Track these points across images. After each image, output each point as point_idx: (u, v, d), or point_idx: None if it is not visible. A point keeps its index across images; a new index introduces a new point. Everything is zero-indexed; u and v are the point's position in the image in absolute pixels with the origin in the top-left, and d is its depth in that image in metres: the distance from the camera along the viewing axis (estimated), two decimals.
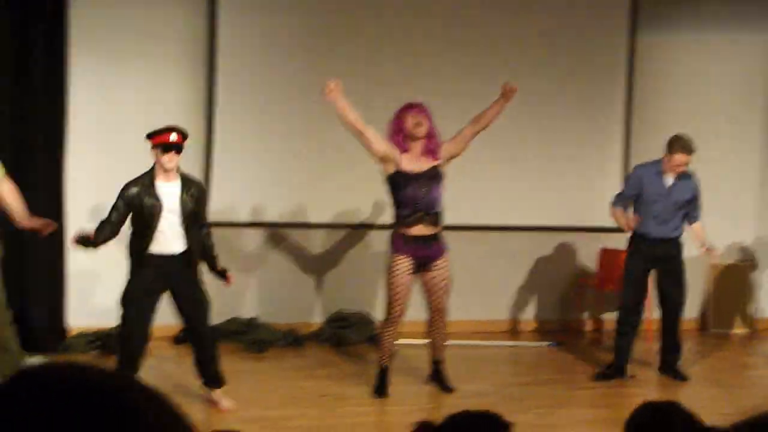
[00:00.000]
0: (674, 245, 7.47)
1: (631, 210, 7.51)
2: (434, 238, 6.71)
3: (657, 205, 7.36)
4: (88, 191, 7.76)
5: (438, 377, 7.05)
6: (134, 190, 6.17)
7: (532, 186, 8.82)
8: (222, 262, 8.33)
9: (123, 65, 8.05)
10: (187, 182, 6.28)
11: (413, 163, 6.63)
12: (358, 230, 8.64)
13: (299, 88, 8.20)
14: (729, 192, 9.34)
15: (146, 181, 6.19)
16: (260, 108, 8.23)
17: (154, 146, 6.16)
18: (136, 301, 6.18)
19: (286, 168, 8.34)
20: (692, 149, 7.25)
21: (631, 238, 7.52)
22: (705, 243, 7.55)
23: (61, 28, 7.74)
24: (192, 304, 6.30)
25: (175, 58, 8.16)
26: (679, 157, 7.26)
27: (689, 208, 7.50)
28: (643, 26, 8.99)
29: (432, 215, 6.65)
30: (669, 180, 7.40)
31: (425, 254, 6.68)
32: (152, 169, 6.22)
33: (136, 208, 6.14)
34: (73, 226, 7.75)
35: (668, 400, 2.59)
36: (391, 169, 6.64)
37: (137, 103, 7.99)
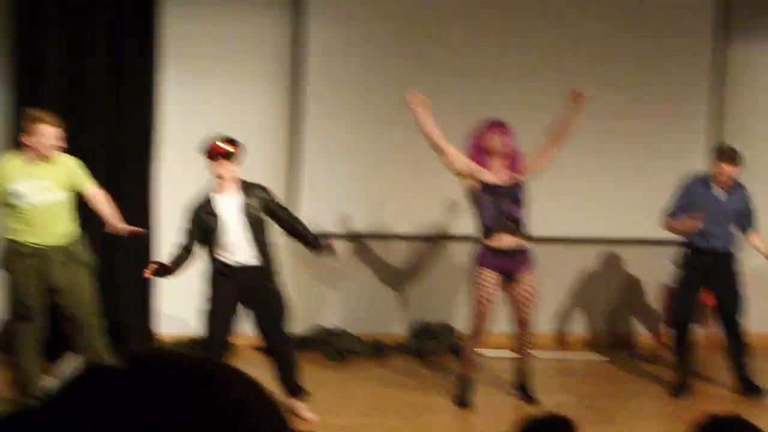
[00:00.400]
0: (726, 259, 7.32)
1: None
2: (519, 251, 6.75)
3: (707, 219, 7.17)
4: (175, 200, 7.92)
5: (523, 389, 7.08)
6: (196, 208, 6.32)
7: (618, 197, 8.70)
8: (306, 271, 8.45)
9: (211, 75, 8.21)
10: (247, 189, 6.32)
11: (494, 177, 6.69)
12: (440, 241, 8.68)
13: (385, 98, 8.27)
14: None
15: (205, 197, 6.32)
16: (346, 118, 8.31)
17: (206, 158, 6.27)
18: (216, 312, 6.30)
19: (371, 178, 8.41)
20: (736, 159, 7.13)
21: (683, 249, 7.40)
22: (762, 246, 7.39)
23: (152, 38, 7.93)
24: (267, 315, 6.38)
25: (262, 68, 8.29)
26: (723, 167, 7.15)
27: (742, 220, 7.35)
28: (730, 31, 8.83)
29: (515, 226, 6.69)
30: (718, 192, 7.27)
31: (510, 267, 6.73)
32: (211, 185, 6.34)
33: (200, 225, 6.28)
34: (161, 233, 7.96)
35: (733, 414, 2.50)
36: (473, 184, 6.71)
37: (225, 113, 8.13)
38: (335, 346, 8.19)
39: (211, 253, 6.30)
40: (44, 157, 6.27)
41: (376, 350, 8.32)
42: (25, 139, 6.24)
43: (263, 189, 6.41)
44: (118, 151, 7.90)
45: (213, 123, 7.99)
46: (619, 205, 8.74)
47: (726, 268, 7.34)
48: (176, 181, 7.99)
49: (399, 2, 8.39)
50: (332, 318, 8.53)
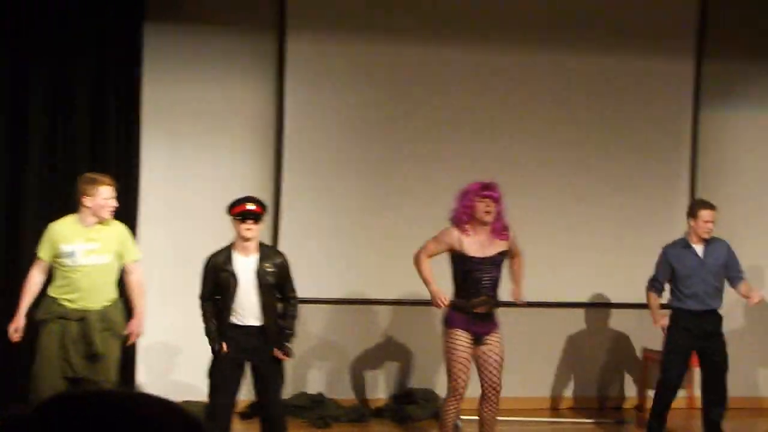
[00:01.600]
0: (716, 319, 7.34)
1: (665, 293, 7.48)
2: (489, 315, 6.72)
3: (692, 279, 7.26)
4: (158, 268, 7.92)
5: None
6: (213, 261, 6.29)
7: (601, 260, 8.75)
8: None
9: (192, 143, 8.25)
10: (266, 255, 6.31)
11: (477, 247, 6.62)
12: (421, 307, 8.66)
13: (365, 163, 8.34)
14: None
15: (226, 253, 6.29)
16: (327, 184, 8.36)
17: (233, 217, 6.27)
18: (221, 372, 6.26)
19: (352, 244, 8.43)
20: (714, 206, 7.27)
21: (673, 312, 7.41)
22: (751, 292, 7.41)
23: (134, 107, 7.98)
24: (265, 380, 6.34)
25: (242, 135, 8.34)
26: (705, 214, 7.23)
27: (728, 272, 7.39)
28: (706, 102, 8.96)
29: (494, 298, 6.69)
30: (699, 249, 7.32)
31: (480, 330, 6.66)
32: (233, 242, 6.33)
33: (215, 279, 6.27)
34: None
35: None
36: (455, 251, 6.68)
37: (205, 179, 8.17)
38: (318, 413, 8.15)
39: (220, 312, 6.28)
40: (101, 219, 6.35)
41: (358, 416, 8.27)
42: (84, 201, 6.33)
43: (281, 255, 6.42)
44: None
45: (193, 190, 8.02)
46: (605, 269, 8.78)
47: (716, 331, 7.33)
48: (157, 244, 7.99)
49: (377, 66, 8.47)
50: (315, 384, 8.48)
